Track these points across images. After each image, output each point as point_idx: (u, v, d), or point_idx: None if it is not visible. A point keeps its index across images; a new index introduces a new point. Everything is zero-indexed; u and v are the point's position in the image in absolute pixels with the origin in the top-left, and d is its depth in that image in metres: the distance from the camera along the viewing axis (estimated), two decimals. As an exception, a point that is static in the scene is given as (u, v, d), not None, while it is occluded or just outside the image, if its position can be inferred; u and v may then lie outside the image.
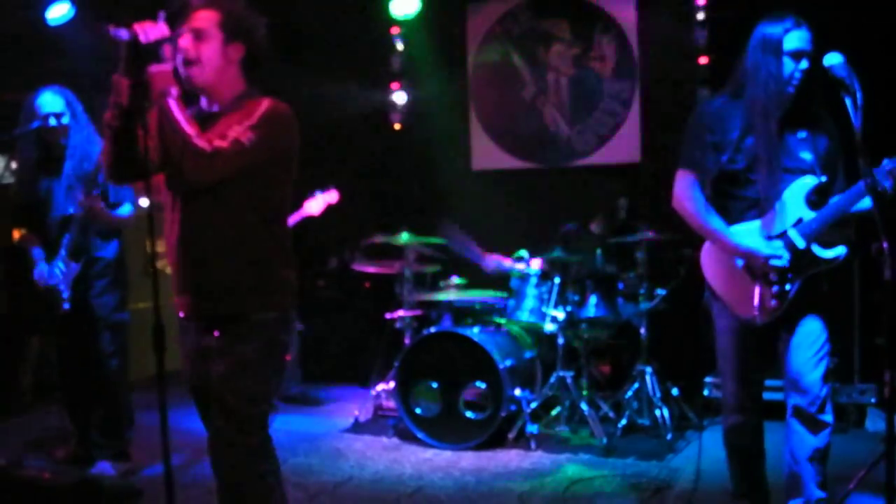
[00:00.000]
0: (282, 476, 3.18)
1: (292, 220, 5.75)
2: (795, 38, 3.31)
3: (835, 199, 3.36)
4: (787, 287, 3.36)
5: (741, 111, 3.40)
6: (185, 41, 2.86)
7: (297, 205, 5.77)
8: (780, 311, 3.39)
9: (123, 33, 2.69)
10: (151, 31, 2.71)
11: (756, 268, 3.39)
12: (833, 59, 3.08)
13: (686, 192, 3.47)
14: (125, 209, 4.57)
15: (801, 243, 3.34)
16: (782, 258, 3.33)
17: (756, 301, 3.39)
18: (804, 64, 3.31)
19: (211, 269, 2.88)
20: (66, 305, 4.48)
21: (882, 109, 3.49)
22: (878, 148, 3.21)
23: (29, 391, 6.46)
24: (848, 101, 3.01)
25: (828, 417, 3.39)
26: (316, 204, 5.89)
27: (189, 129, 2.71)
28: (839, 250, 3.35)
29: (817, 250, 3.36)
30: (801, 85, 3.33)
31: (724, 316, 3.55)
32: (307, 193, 5.85)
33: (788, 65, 3.32)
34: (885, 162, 3.22)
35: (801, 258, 3.35)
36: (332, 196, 5.94)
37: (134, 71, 2.72)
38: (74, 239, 4.47)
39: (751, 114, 3.36)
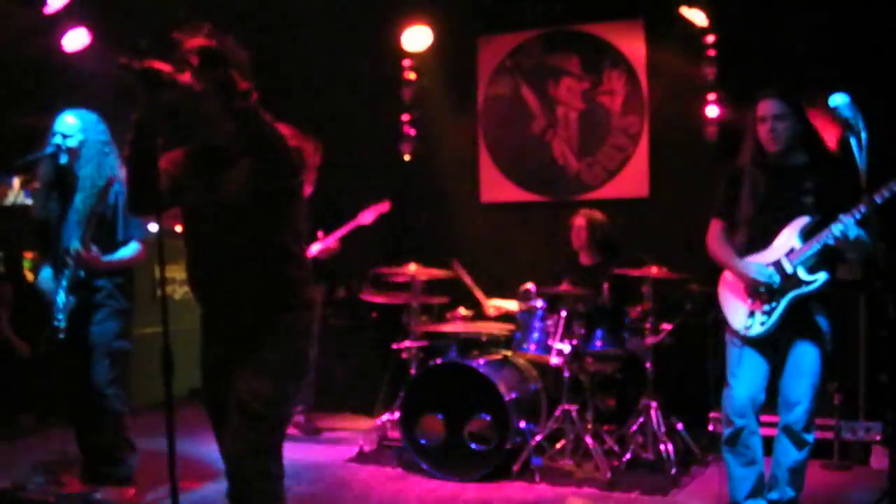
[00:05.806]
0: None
1: (346, 229, 6.09)
2: (761, 106, 4.00)
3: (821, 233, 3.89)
4: (774, 304, 3.96)
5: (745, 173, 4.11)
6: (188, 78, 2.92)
7: (353, 215, 6.13)
8: (769, 326, 3.97)
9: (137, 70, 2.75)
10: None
11: (750, 287, 4.04)
12: (838, 100, 3.17)
13: (713, 237, 4.23)
14: (129, 249, 4.53)
15: (789, 268, 3.95)
16: (769, 279, 3.95)
17: (747, 315, 4.03)
18: (770, 125, 3.95)
19: (241, 293, 3.03)
20: (61, 336, 4.43)
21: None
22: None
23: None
24: (853, 141, 3.11)
25: (810, 437, 4.00)
26: (369, 214, 6.09)
27: None
28: (821, 276, 3.92)
29: (801, 273, 3.93)
30: (789, 142, 3.97)
31: (730, 330, 4.14)
32: (361, 205, 6.16)
33: (761, 129, 4.01)
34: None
35: (788, 280, 3.95)
36: (384, 206, 6.14)
37: (147, 108, 2.84)
38: (73, 275, 4.43)
39: (749, 176, 4.07)
